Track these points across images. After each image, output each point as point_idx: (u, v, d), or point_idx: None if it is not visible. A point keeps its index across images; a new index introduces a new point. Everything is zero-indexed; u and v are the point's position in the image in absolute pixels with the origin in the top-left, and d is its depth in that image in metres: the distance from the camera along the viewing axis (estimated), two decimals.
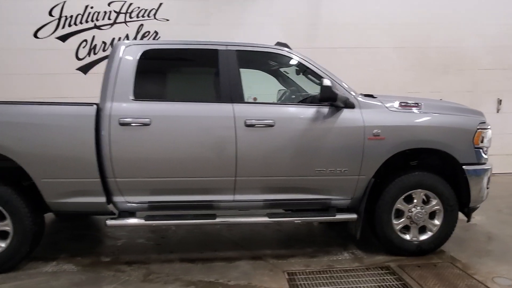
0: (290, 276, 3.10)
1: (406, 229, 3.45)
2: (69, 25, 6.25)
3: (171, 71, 3.57)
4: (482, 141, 3.45)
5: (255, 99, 3.72)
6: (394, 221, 3.39)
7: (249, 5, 6.55)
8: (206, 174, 3.17)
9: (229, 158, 3.14)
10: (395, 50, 6.82)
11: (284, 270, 3.20)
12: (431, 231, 3.46)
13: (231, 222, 3.35)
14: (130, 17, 6.33)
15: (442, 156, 3.47)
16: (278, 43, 3.62)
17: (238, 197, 3.27)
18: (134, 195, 3.18)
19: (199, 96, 3.47)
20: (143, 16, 6.35)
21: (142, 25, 6.36)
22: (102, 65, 6.10)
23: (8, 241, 3.08)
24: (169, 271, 3.18)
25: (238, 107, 3.17)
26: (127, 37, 6.36)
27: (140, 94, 3.15)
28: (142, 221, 3.16)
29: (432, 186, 3.38)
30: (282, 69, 4.08)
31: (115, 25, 6.32)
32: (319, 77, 3.33)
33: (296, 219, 3.45)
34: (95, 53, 6.35)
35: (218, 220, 3.22)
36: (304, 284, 2.95)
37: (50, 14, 6.21)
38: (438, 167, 3.57)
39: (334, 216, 3.34)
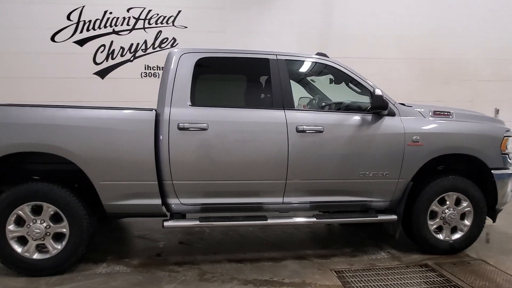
0: (339, 274, 3.26)
1: (438, 229, 3.68)
2: (87, 30, 6.27)
3: (223, 78, 3.70)
4: (507, 148, 3.74)
5: (304, 106, 3.89)
6: (429, 222, 3.62)
7: (264, 15, 6.75)
8: (258, 177, 3.32)
9: (281, 162, 3.29)
10: (402, 61, 7.15)
11: (331, 269, 3.36)
12: (462, 231, 3.70)
13: (282, 223, 3.48)
14: (149, 24, 6.41)
15: (470, 161, 3.73)
16: (318, 53, 3.81)
17: (287, 199, 3.42)
18: (188, 197, 3.28)
19: (252, 102, 3.62)
20: (161, 22, 6.44)
21: (160, 31, 6.44)
22: (120, 70, 6.20)
23: (64, 242, 3.13)
24: (221, 271, 3.29)
25: (289, 114, 3.34)
26: (145, 43, 6.42)
27: (196, 100, 3.28)
28: (197, 223, 3.26)
29: (464, 189, 3.63)
30: (309, 78, 4.28)
31: (134, 31, 6.38)
32: (362, 86, 3.55)
33: (341, 221, 3.63)
34: (113, 58, 6.38)
35: (270, 221, 3.36)
36: (354, 281, 3.12)
37: (68, 18, 6.21)
38: (464, 172, 3.83)
39: (376, 217, 3.53)
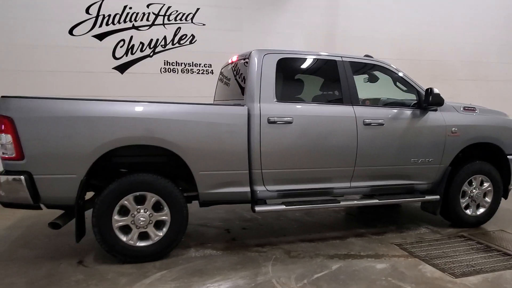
0: (400, 246, 3.82)
1: (466, 206, 4.38)
2: (107, 24, 6.24)
3: (300, 77, 4.06)
4: None
5: (367, 102, 4.36)
6: (461, 200, 4.31)
7: (278, 16, 7.14)
8: (332, 164, 3.76)
9: (351, 151, 3.77)
10: (395, 61, 7.86)
11: (391, 242, 3.91)
12: (484, 207, 4.43)
13: (352, 205, 3.94)
14: (168, 20, 6.52)
15: (490, 148, 4.47)
16: (366, 55, 4.32)
17: (354, 184, 3.90)
18: (274, 184, 3.63)
19: (326, 99, 4.03)
20: (180, 19, 6.58)
21: (179, 28, 6.58)
22: (140, 65, 6.28)
23: (165, 229, 3.35)
24: (302, 249, 3.70)
25: (357, 109, 3.81)
26: (164, 39, 6.53)
27: (280, 96, 3.63)
28: (283, 207, 3.63)
29: (487, 172, 4.36)
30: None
31: (153, 27, 6.46)
32: (409, 85, 4.13)
33: (398, 201, 4.16)
34: (132, 53, 6.41)
35: (342, 203, 3.83)
36: (416, 251, 3.69)
37: (87, 12, 6.14)
38: (479, 157, 4.53)
39: (424, 197, 4.13)
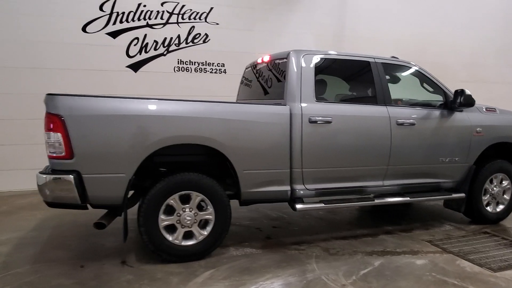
0: (431, 243, 3.93)
1: (487, 204, 4.53)
2: (121, 22, 6.16)
3: (337, 77, 4.12)
4: None
5: (399, 102, 4.45)
6: (483, 197, 4.46)
7: (289, 16, 7.20)
8: (368, 163, 3.84)
9: (386, 150, 3.85)
10: None
11: (421, 239, 4.02)
12: (503, 204, 4.60)
13: (386, 203, 4.01)
14: (182, 19, 6.49)
15: (508, 148, 4.63)
16: (392, 57, 4.41)
17: (386, 182, 3.99)
18: (312, 183, 3.68)
19: (361, 99, 4.09)
20: (194, 18, 6.55)
21: (193, 27, 6.56)
22: (154, 63, 6.23)
23: (210, 228, 3.35)
24: (339, 247, 3.76)
25: (390, 109, 3.90)
26: (178, 38, 6.49)
27: (319, 96, 3.68)
28: (322, 205, 3.68)
29: (507, 170, 4.53)
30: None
31: (167, 25, 6.42)
32: (437, 86, 4.25)
33: (428, 199, 4.27)
34: (146, 52, 6.35)
35: (376, 201, 3.91)
36: (448, 247, 3.79)
37: (101, 9, 6.05)
38: (500, 156, 4.71)
39: (451, 195, 4.26)
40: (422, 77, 4.29)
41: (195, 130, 3.18)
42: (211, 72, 6.73)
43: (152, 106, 3.10)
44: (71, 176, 2.89)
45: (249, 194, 3.49)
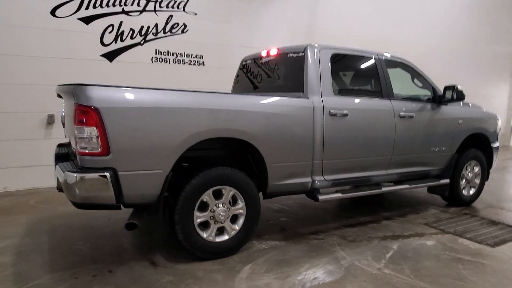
0: (429, 225, 4.29)
1: (463, 188, 5.07)
2: (94, 7, 5.68)
3: (347, 71, 4.23)
4: (500, 129, 5.37)
5: (399, 97, 4.70)
6: (461, 182, 4.98)
7: (265, 10, 7.22)
8: (376, 154, 4.07)
9: (390, 141, 4.12)
10: None
11: (419, 223, 4.38)
12: (474, 187, 5.18)
13: (390, 190, 4.28)
14: (160, 7, 6.17)
15: (478, 138, 5.21)
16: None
17: (389, 171, 4.27)
18: (330, 174, 3.80)
19: (370, 93, 4.26)
20: (172, 7, 6.27)
21: (171, 16, 6.27)
22: (130, 53, 5.90)
23: (241, 223, 3.31)
24: (353, 234, 3.95)
25: (393, 102, 4.17)
26: (156, 27, 6.17)
27: (335, 90, 3.80)
28: (340, 195, 3.83)
29: (479, 158, 5.10)
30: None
31: (144, 13, 6.06)
32: (426, 82, 4.62)
33: (422, 185, 4.61)
34: (122, 40, 5.94)
35: (383, 189, 4.17)
36: (444, 228, 4.16)
37: None
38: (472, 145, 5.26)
39: (439, 181, 4.68)
40: (414, 73, 4.63)
41: (232, 124, 3.11)
42: (189, 64, 6.52)
43: (192, 98, 2.97)
44: (108, 174, 2.67)
45: (275, 187, 3.50)
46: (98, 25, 5.75)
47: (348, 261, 3.25)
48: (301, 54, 3.80)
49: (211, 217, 3.16)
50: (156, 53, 6.21)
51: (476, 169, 5.14)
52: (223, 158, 3.47)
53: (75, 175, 2.64)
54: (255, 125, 3.24)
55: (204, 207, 3.13)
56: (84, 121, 2.62)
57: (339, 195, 3.83)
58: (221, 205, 3.19)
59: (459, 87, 4.38)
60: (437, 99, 4.56)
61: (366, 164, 4.05)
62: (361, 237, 3.85)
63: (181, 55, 6.41)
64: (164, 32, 6.25)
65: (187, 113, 2.92)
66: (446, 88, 4.48)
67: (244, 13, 6.96)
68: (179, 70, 6.42)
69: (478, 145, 5.20)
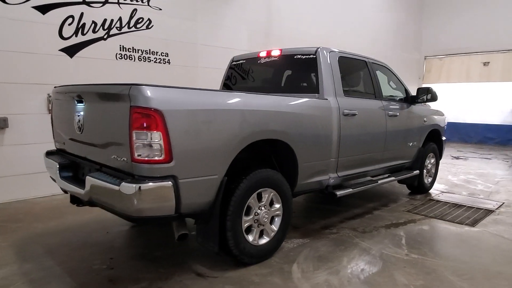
0: (412, 212, 4.79)
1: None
2: None
3: (348, 74, 4.40)
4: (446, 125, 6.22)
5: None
6: (424, 172, 5.66)
7: (227, 9, 7.12)
8: (375, 150, 4.42)
9: (384, 137, 4.51)
10: None
11: (401, 210, 4.86)
12: (431, 176, 5.93)
13: (384, 183, 4.65)
14: None
15: (434, 133, 5.97)
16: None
17: (381, 165, 4.66)
18: (342, 170, 4.00)
19: (366, 94, 4.51)
20: (137, 0, 5.82)
21: (136, 9, 5.81)
22: (93, 48, 5.43)
23: (278, 224, 3.30)
24: (359, 225, 4.21)
25: (383, 103, 4.56)
26: (120, 20, 5.66)
27: (345, 91, 4.01)
28: (351, 190, 4.04)
29: (435, 150, 5.84)
30: None
31: (107, 5, 5.51)
32: (400, 84, 5.14)
33: (402, 177, 5.08)
34: (83, 34, 5.31)
35: (379, 182, 4.52)
36: (425, 213, 4.69)
37: None
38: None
39: (413, 173, 5.24)
40: (390, 75, 5.11)
41: (277, 125, 3.10)
42: (155, 62, 6.13)
43: (245, 100, 2.87)
44: (170, 183, 2.45)
45: (301, 186, 3.58)
46: (56, 15, 5.06)
47: (376, 251, 3.49)
48: (312, 56, 3.92)
49: (255, 220, 3.10)
50: (120, 49, 5.71)
51: (433, 160, 5.89)
52: (249, 160, 3.41)
53: (133, 185, 2.36)
54: (292, 126, 3.27)
55: (248, 211, 3.05)
56: (145, 126, 2.36)
57: (351, 190, 4.06)
58: (263, 208, 3.14)
59: (433, 90, 4.97)
60: (410, 100, 5.11)
61: (366, 159, 4.36)
62: (369, 228, 4.14)
63: (146, 52, 6.00)
64: (129, 27, 5.77)
65: (242, 115, 2.82)
66: (420, 90, 5.04)
67: (207, 11, 6.79)
68: (144, 68, 5.99)
69: (433, 139, 5.96)
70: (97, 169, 2.82)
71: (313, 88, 3.86)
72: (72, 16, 5.19)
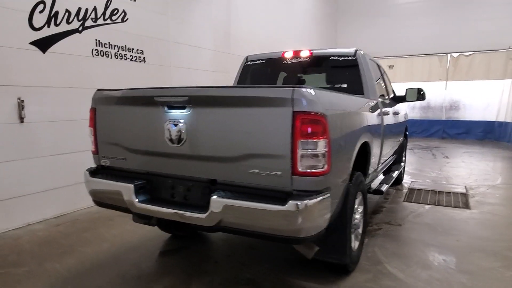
0: (409, 201, 5.25)
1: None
2: None
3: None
4: None
5: None
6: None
7: (193, 6, 6.63)
8: (392, 147, 4.69)
9: (395, 135, 4.83)
10: None
11: (401, 201, 5.28)
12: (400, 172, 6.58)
13: (395, 175, 4.94)
14: None
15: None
16: None
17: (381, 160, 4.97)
18: (379, 168, 4.16)
19: (384, 94, 4.68)
20: None
21: (110, 0, 5.01)
22: (67, 42, 4.68)
23: (361, 227, 3.27)
24: (389, 219, 4.44)
25: (392, 101, 4.88)
26: (95, 10, 4.79)
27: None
28: (386, 186, 4.23)
29: (406, 144, 6.50)
30: None
31: None
32: (388, 83, 5.57)
33: (400, 170, 5.49)
34: (56, 24, 4.34)
35: (393, 175, 4.83)
36: (419, 202, 5.23)
37: None
38: None
39: (401, 164, 5.72)
40: (381, 75, 5.48)
41: (371, 126, 3.07)
42: (131, 60, 5.36)
43: (367, 103, 2.76)
44: (329, 195, 2.23)
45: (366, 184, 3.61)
46: (25, 1, 4.03)
47: (434, 243, 3.71)
48: (351, 58, 3.98)
49: (354, 225, 3.02)
50: (96, 45, 4.84)
51: (403, 152, 6.54)
52: None
53: (299, 203, 2.07)
54: (371, 126, 3.28)
55: None
56: (312, 133, 2.09)
57: (386, 186, 4.25)
58: (357, 212, 3.08)
59: (423, 90, 5.50)
60: (397, 98, 5.57)
61: (387, 157, 4.61)
62: (398, 220, 4.40)
63: (122, 49, 5.21)
64: (104, 19, 4.92)
65: (361, 117, 2.72)
66: (409, 90, 5.53)
67: (177, 6, 6.22)
68: (120, 66, 5.20)
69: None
70: (207, 187, 2.38)
71: (358, 89, 3.91)
72: (43, 2, 4.20)
